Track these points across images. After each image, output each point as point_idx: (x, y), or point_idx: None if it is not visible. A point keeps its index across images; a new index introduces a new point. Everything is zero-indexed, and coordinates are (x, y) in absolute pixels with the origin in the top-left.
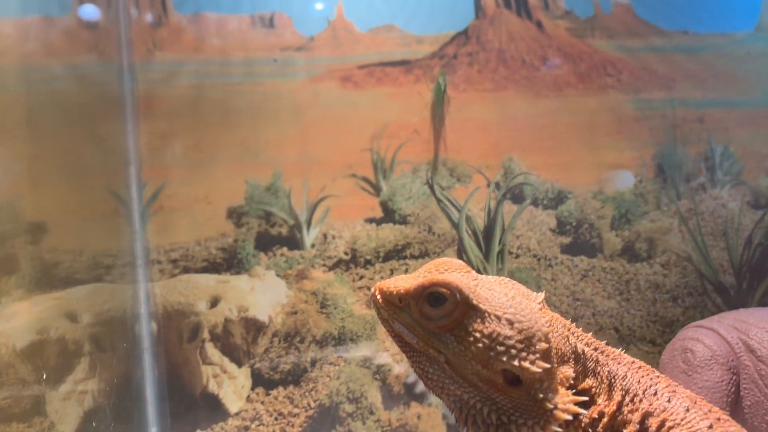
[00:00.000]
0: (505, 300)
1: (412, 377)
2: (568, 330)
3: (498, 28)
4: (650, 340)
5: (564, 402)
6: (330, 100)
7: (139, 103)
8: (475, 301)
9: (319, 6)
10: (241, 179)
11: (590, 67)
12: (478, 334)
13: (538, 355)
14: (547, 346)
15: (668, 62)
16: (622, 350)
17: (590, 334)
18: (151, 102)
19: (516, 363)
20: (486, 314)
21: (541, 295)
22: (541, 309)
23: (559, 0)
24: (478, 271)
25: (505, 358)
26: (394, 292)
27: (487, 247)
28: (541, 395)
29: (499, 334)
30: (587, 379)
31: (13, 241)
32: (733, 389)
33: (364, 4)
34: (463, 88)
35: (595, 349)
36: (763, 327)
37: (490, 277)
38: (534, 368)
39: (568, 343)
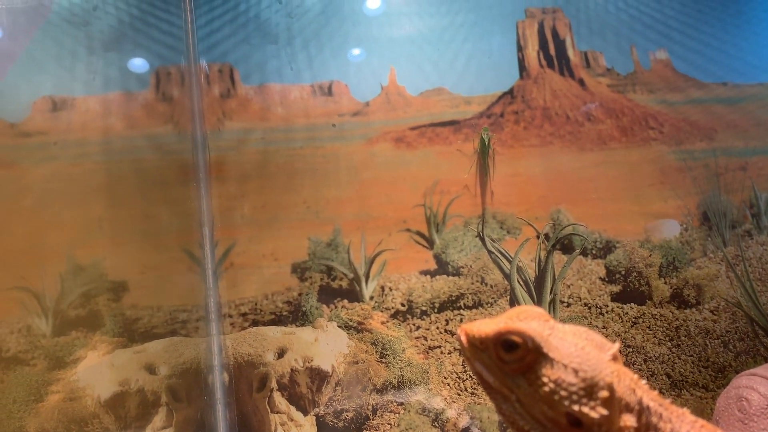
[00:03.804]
0: (574, 350)
1: (467, 421)
2: (635, 383)
3: (542, 87)
4: (702, 385)
5: None
6: (385, 160)
7: (211, 169)
8: (545, 350)
9: (373, 73)
10: (304, 236)
11: (632, 120)
12: (546, 379)
13: (598, 402)
14: (608, 394)
15: (709, 113)
16: (675, 397)
17: (645, 381)
18: (222, 167)
19: (577, 408)
20: (554, 362)
21: (615, 346)
22: (612, 360)
23: (600, 58)
24: None
25: (567, 403)
26: (476, 336)
27: (539, 296)
28: None
29: (564, 381)
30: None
31: (97, 299)
32: None
33: (414, 69)
34: (510, 144)
35: (660, 405)
36: None
37: (566, 326)
38: (593, 413)
39: (633, 395)
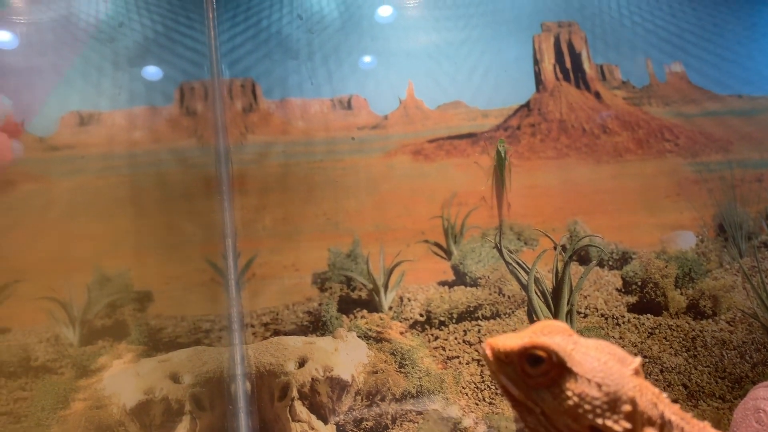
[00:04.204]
0: (597, 364)
1: (485, 430)
2: (657, 397)
3: (558, 100)
4: (719, 396)
5: None
6: (403, 172)
7: (234, 182)
8: (569, 365)
9: (391, 87)
10: (324, 247)
11: (648, 133)
12: (570, 393)
13: (621, 415)
14: (630, 408)
15: (724, 125)
16: (691, 407)
17: (666, 395)
18: (244, 180)
19: (600, 421)
20: (578, 376)
21: (637, 360)
22: (634, 374)
23: (615, 71)
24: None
25: (591, 416)
26: (501, 350)
27: (556, 307)
28: None
29: (587, 395)
30: None
31: (123, 309)
32: None
33: (432, 83)
34: (527, 156)
35: (682, 419)
36: None
37: (589, 341)
38: (616, 427)
39: (655, 409)
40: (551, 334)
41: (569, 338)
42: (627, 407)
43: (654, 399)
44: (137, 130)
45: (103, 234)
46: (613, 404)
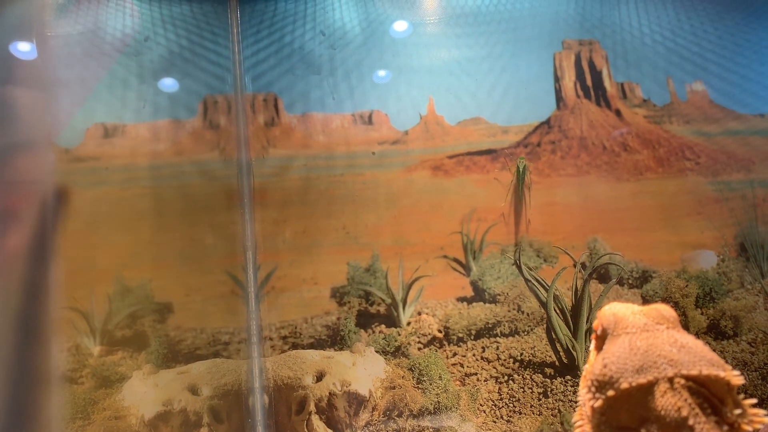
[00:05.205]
0: (620, 350)
1: None
2: (688, 405)
3: (579, 117)
4: None
5: None
6: (422, 187)
7: (255, 195)
8: (606, 340)
9: (412, 103)
10: (343, 261)
11: (669, 151)
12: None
13: (602, 396)
14: (614, 394)
15: (746, 145)
16: None
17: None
18: (265, 193)
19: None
20: (604, 351)
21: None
22: (666, 381)
23: (636, 89)
24: (568, 350)
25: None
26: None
27: (575, 325)
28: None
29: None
30: None
31: (143, 320)
32: None
33: (453, 99)
34: (547, 173)
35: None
36: None
37: (663, 332)
38: (593, 404)
39: (677, 413)
40: (650, 316)
41: (643, 323)
42: (611, 392)
43: (681, 404)
44: (160, 142)
45: (124, 245)
46: (600, 386)
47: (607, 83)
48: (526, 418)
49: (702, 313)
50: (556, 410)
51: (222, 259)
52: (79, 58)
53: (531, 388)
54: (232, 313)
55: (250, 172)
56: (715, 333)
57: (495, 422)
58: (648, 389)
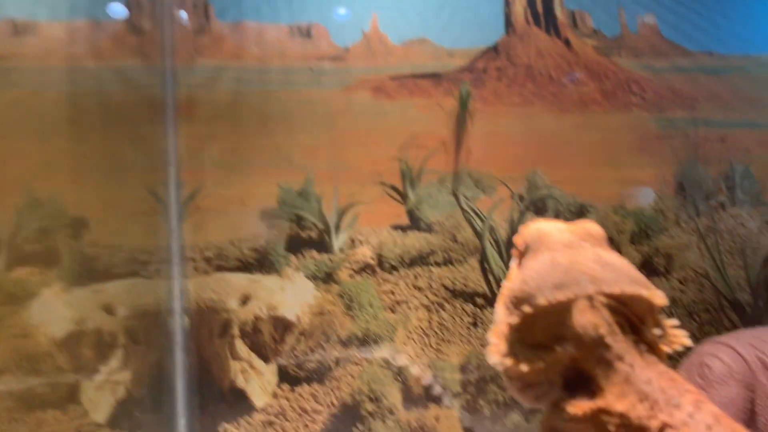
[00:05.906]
0: (541, 266)
1: (430, 380)
2: (605, 323)
3: (527, 45)
4: (667, 354)
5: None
6: (362, 109)
7: (180, 107)
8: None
9: (355, 18)
10: (274, 183)
11: (615, 85)
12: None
13: (518, 313)
14: (530, 311)
15: (692, 82)
16: None
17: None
18: (192, 106)
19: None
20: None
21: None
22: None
23: (587, 18)
24: (500, 281)
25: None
26: None
27: (510, 257)
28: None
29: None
30: (597, 368)
31: (55, 235)
32: (748, 406)
33: (398, 17)
34: (491, 101)
35: (627, 350)
36: None
37: (587, 249)
38: (510, 320)
39: (593, 331)
40: (575, 233)
41: (567, 240)
42: (527, 309)
43: (598, 322)
44: (77, 44)
45: (36, 154)
46: (518, 302)
47: (558, 11)
48: (455, 347)
49: (636, 250)
50: (485, 340)
51: (143, 174)
52: None
53: (461, 317)
54: (153, 232)
55: (176, 81)
56: (647, 270)
57: (423, 350)
58: (567, 307)
